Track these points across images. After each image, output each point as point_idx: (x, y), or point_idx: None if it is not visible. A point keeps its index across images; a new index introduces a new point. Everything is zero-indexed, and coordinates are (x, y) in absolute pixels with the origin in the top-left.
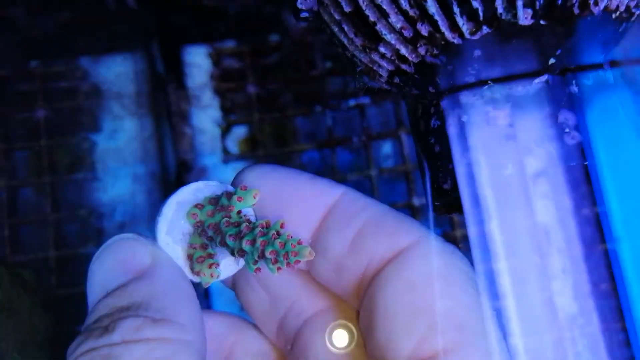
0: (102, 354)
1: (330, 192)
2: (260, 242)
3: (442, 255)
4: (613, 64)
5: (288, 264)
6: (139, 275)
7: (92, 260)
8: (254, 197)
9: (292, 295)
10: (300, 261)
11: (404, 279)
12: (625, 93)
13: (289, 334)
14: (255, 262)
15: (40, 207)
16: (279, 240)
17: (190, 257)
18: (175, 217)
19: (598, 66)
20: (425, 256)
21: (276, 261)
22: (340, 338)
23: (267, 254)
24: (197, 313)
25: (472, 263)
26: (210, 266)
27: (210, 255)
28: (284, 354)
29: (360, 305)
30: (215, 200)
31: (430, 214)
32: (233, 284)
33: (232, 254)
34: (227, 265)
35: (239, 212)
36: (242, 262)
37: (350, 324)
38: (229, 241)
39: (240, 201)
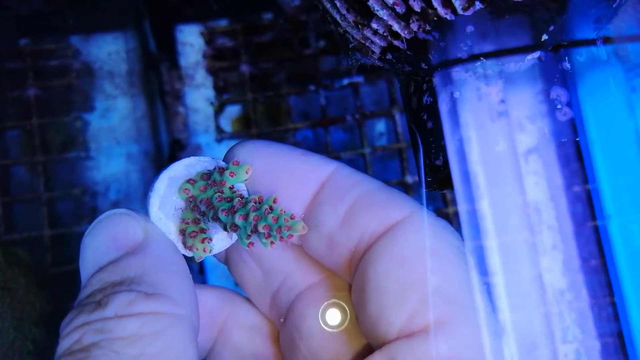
0: (95, 329)
1: (323, 168)
2: (253, 216)
3: (433, 229)
4: (606, 40)
5: (281, 238)
6: (131, 250)
7: (85, 235)
8: (247, 172)
9: (285, 270)
10: (293, 235)
11: (395, 253)
12: (617, 70)
13: (282, 307)
14: (248, 236)
15: (34, 185)
16: (271, 215)
17: (182, 232)
18: (168, 192)
19: (591, 42)
20: (417, 230)
21: (269, 235)
22: (334, 317)
23: (260, 229)
24: (190, 287)
25: (463, 238)
26: (202, 241)
27: (203, 230)
28: (277, 327)
29: (352, 280)
30: (207, 176)
31: (423, 190)
32: (226, 258)
33: (225, 228)
34: (220, 240)
35: (231, 188)
36: (234, 236)
37: (343, 303)
38: (222, 216)
39: (232, 176)
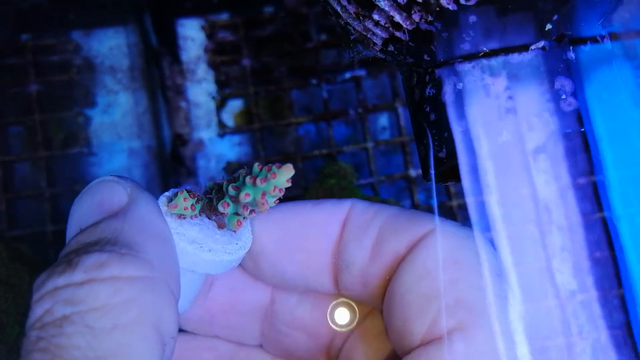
0: (66, 298)
1: (339, 209)
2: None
3: (455, 240)
4: (612, 36)
5: (263, 205)
6: (113, 213)
7: (73, 202)
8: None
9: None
10: (283, 190)
11: (418, 267)
12: (625, 67)
13: (336, 351)
14: (227, 200)
15: (36, 182)
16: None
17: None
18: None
19: (595, 32)
20: (439, 243)
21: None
22: (342, 316)
23: (243, 198)
24: (170, 252)
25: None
26: (191, 196)
27: (196, 201)
28: None
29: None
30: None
31: (433, 183)
32: (261, 341)
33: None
34: (234, 250)
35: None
36: (247, 246)
37: (352, 303)
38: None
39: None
